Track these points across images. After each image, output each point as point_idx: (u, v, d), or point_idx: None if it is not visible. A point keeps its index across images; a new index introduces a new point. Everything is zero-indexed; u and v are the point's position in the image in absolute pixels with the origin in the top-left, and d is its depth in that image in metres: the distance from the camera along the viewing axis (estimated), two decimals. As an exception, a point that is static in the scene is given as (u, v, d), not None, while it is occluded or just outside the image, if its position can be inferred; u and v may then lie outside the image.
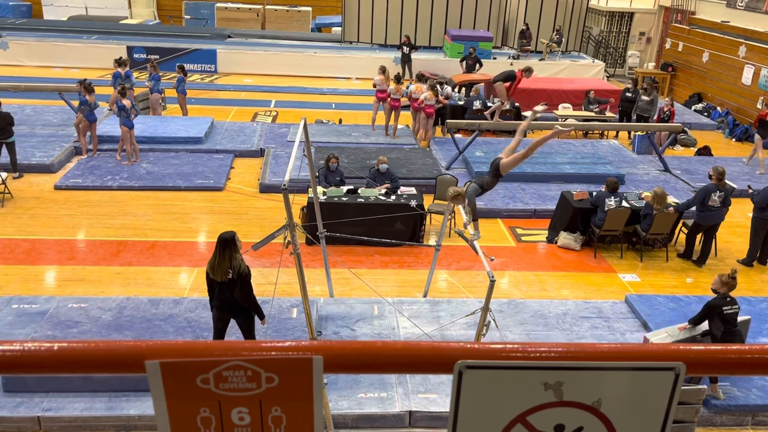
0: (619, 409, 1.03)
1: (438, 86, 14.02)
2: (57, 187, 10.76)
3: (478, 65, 17.96)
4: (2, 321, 6.86)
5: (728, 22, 18.61)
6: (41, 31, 21.49)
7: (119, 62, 14.25)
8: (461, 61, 18.33)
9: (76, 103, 12.26)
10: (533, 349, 0.98)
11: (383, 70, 14.01)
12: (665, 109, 14.30)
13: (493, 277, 5.32)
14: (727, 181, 9.44)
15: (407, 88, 14.11)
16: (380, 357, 0.95)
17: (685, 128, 14.72)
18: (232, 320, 6.09)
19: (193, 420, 1.00)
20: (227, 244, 5.70)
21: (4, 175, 10.11)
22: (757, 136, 13.65)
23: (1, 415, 5.61)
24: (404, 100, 13.90)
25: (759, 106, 13.77)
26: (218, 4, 25.30)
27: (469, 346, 0.99)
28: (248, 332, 6.08)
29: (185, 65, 15.97)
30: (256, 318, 6.09)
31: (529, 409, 1.04)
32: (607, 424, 1.05)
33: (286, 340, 0.95)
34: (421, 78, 14.53)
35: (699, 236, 9.45)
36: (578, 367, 0.99)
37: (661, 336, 6.30)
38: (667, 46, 21.61)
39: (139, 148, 12.00)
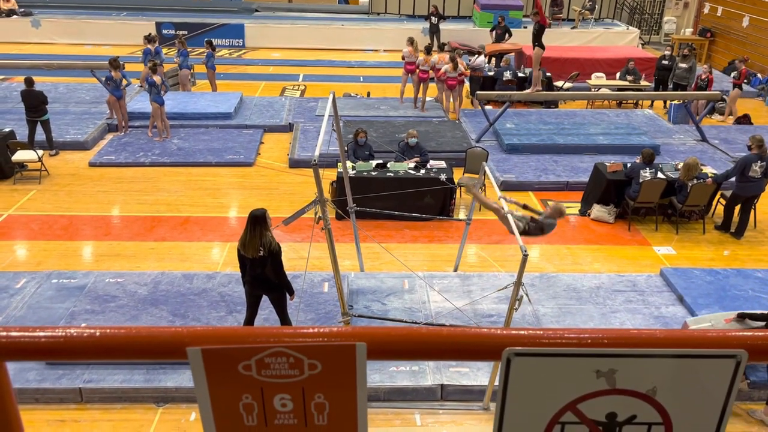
0: (675, 397, 0.99)
1: (466, 56, 13.78)
2: (91, 164, 10.94)
3: (507, 35, 17.60)
4: (43, 295, 7.05)
5: (771, -16, 17.84)
6: (72, 8, 21.66)
7: (149, 39, 14.32)
8: (491, 30, 17.98)
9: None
10: (586, 335, 0.94)
11: (411, 42, 13.82)
12: (703, 77, 13.85)
13: (526, 251, 5.25)
14: (768, 150, 9.13)
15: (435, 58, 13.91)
16: (425, 344, 0.93)
17: (724, 96, 14.26)
18: (264, 296, 6.15)
19: (235, 406, 0.99)
20: (258, 221, 5.73)
21: (40, 152, 10.30)
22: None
23: (44, 386, 5.79)
24: (432, 73, 13.71)
25: None
26: (245, -22, 25.12)
27: (517, 332, 0.95)
28: (280, 307, 6.13)
29: (213, 40, 15.97)
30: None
31: (580, 397, 1.00)
32: (662, 412, 1.01)
33: (329, 327, 0.93)
34: (443, 47, 14.29)
35: (737, 207, 9.20)
36: (633, 354, 0.95)
37: (705, 325, 6.00)
38: (706, 10, 20.86)
39: (169, 124, 12.10)
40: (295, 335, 0.93)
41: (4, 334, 0.89)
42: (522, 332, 0.95)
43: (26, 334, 0.90)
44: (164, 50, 15.36)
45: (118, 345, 0.90)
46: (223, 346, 0.91)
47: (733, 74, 14.29)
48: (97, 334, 0.89)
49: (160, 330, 0.92)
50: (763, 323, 5.74)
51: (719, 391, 0.98)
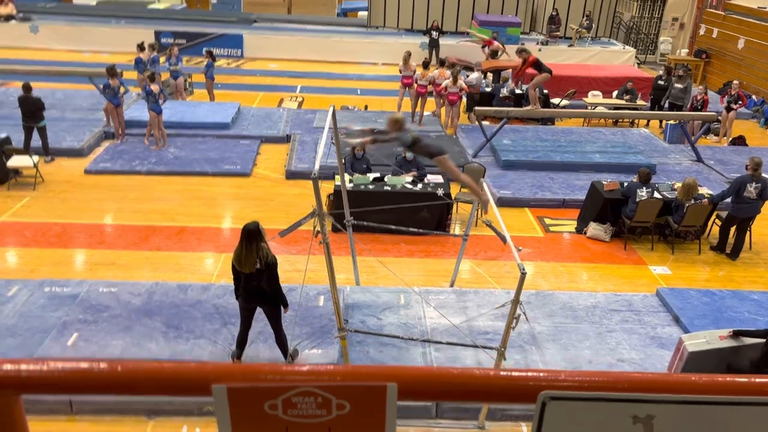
0: (713, 445, 0.96)
1: (463, 72, 13.83)
2: (87, 171, 10.88)
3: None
4: (35, 303, 6.96)
5: (765, 8, 18.07)
6: (71, 15, 21.67)
7: (141, 47, 14.31)
8: (483, 47, 18.09)
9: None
10: (623, 379, 0.92)
11: (407, 56, 13.90)
12: (698, 98, 13.96)
13: (524, 269, 5.23)
14: (763, 174, 9.18)
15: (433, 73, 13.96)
16: (458, 385, 0.90)
17: (719, 117, 14.35)
18: (258, 308, 6.10)
19: (258, 445, 0.96)
20: (253, 235, 5.66)
21: (36, 158, 10.24)
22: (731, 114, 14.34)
23: (33, 396, 5.70)
24: (431, 87, 13.76)
25: None
26: (244, -12, 25.27)
27: (552, 375, 0.93)
28: (275, 320, 6.07)
29: (213, 50, 15.97)
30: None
31: (616, 443, 0.98)
32: (699, 460, 0.98)
33: (359, 366, 0.90)
34: (443, 63, 14.37)
35: (733, 229, 9.24)
36: (672, 401, 0.92)
37: (700, 341, 5.98)
38: (701, 32, 21.07)
39: (166, 133, 12.06)
40: (324, 373, 0.90)
41: (25, 367, 0.85)
42: (557, 375, 0.93)
43: (45, 367, 0.87)
44: (161, 59, 15.33)
45: (142, 381, 0.87)
46: (249, 384, 0.88)
47: (726, 98, 14.39)
48: (119, 368, 0.86)
49: (185, 366, 0.89)
50: (764, 341, 5.71)
51: (759, 439, 0.96)
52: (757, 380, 0.92)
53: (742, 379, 0.93)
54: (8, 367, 0.85)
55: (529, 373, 0.93)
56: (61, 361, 0.89)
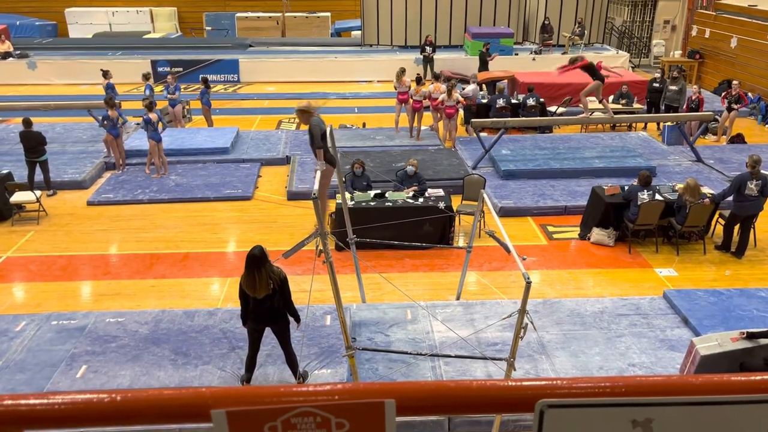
0: (714, 445, 0.96)
1: (459, 85, 13.90)
2: (89, 203, 10.93)
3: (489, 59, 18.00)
4: (43, 338, 6.97)
5: (756, 5, 18.17)
6: (67, 49, 21.90)
7: (105, 74, 14.50)
8: (481, 58, 18.24)
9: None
10: (620, 383, 0.92)
11: (400, 72, 13.99)
12: (694, 98, 14.00)
13: (529, 278, 5.21)
14: (763, 170, 9.18)
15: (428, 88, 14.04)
16: (455, 398, 0.90)
17: (716, 116, 14.39)
18: (267, 329, 6.09)
19: (259, 468, 0.96)
20: (260, 260, 5.67)
21: (38, 193, 10.29)
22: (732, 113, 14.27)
23: None
24: (426, 102, 13.83)
25: None
26: (238, 14, 25.52)
27: (549, 383, 0.93)
28: (284, 339, 6.06)
29: (208, 76, 16.11)
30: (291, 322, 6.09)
31: (616, 448, 0.97)
32: (700, 461, 0.98)
33: (356, 383, 0.90)
34: (438, 77, 14.45)
35: (737, 227, 9.21)
36: (670, 403, 0.92)
37: (712, 344, 5.91)
38: (693, 33, 21.17)
39: (167, 160, 12.13)
40: (322, 393, 0.90)
41: (24, 402, 0.86)
42: (554, 382, 0.93)
43: (45, 401, 0.87)
44: (158, 88, 15.45)
45: (142, 410, 0.87)
46: (248, 407, 0.88)
47: (727, 99, 14.38)
48: (118, 398, 0.87)
49: (183, 392, 0.90)
50: None
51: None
52: (755, 378, 0.92)
53: (739, 377, 0.93)
54: (9, 402, 0.86)
55: (526, 383, 0.93)
56: (61, 394, 0.90)
